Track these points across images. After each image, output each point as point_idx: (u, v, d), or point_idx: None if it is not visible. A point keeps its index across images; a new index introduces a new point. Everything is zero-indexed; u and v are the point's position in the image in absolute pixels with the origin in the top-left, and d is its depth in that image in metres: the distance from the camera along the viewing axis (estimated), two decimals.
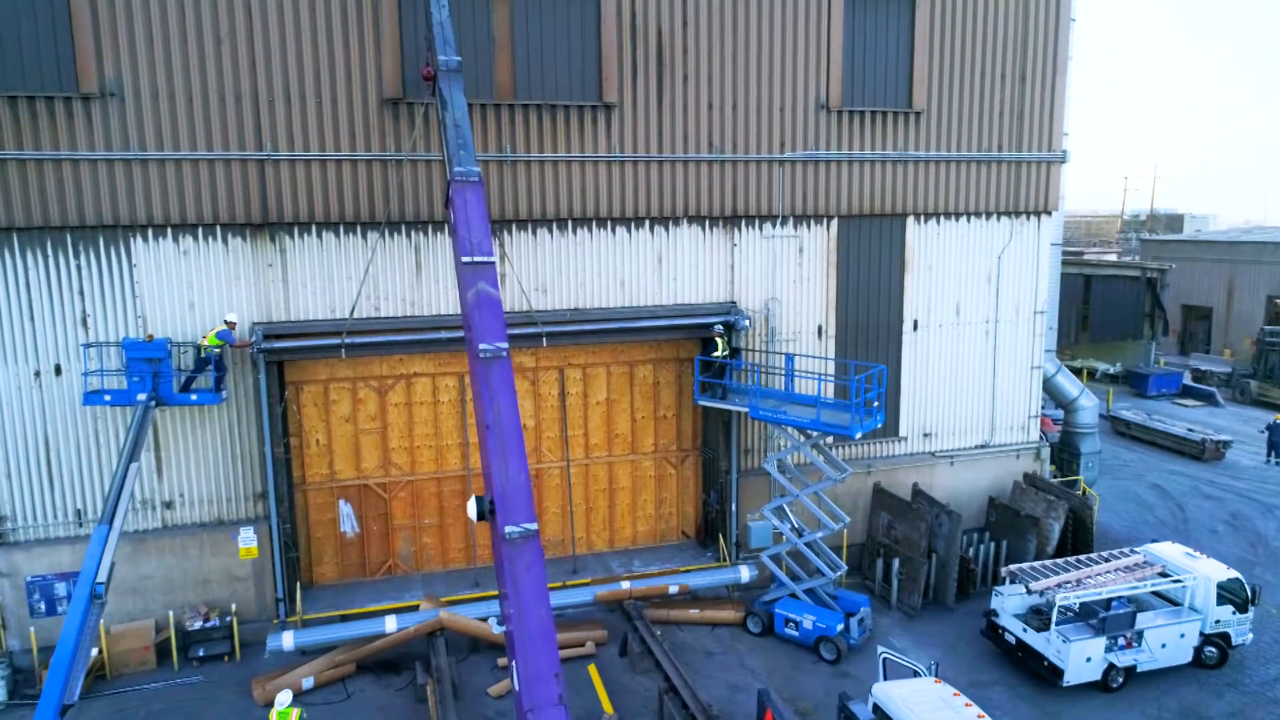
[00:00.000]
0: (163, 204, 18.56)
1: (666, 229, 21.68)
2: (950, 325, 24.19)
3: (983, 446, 25.02)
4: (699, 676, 19.15)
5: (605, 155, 20.86)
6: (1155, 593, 20.04)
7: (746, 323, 21.77)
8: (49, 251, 18.21)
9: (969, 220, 23.90)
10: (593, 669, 19.40)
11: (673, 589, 21.11)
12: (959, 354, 24.39)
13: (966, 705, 13.20)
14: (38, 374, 18.46)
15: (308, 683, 18.23)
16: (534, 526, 11.26)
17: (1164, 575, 19.67)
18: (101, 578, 13.64)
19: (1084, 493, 26.92)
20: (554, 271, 21.11)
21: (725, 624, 21.29)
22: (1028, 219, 24.40)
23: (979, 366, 24.63)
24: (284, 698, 14.37)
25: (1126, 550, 20.63)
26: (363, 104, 19.30)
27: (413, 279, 20.22)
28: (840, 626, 19.72)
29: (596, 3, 20.34)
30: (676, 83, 21.07)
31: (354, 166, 19.46)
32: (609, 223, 21.28)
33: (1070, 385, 27.08)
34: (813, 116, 22.09)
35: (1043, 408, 30.28)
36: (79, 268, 18.42)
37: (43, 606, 18.86)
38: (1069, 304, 46.50)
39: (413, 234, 20.09)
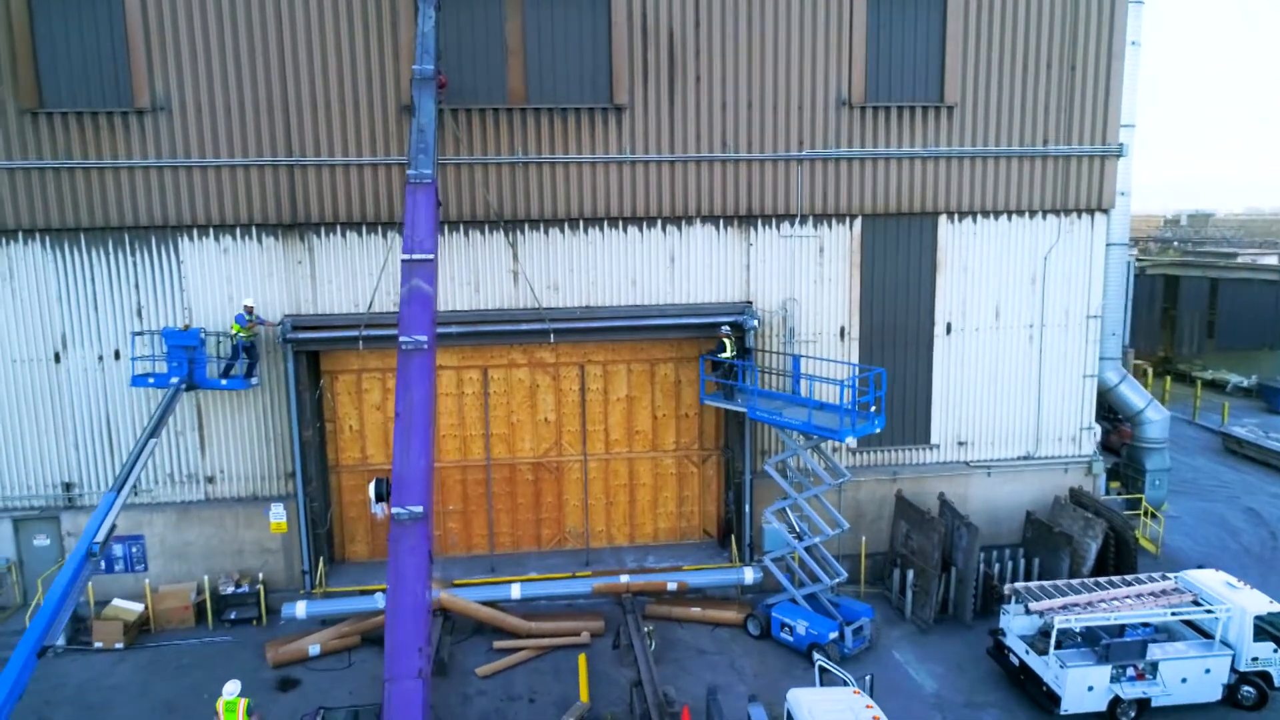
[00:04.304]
0: (205, 206, 20.49)
1: (679, 228, 21.82)
2: (989, 329, 23.02)
3: (1025, 458, 23.63)
4: (684, 674, 19.25)
5: (616, 156, 21.26)
6: (1188, 623, 18.44)
7: (755, 323, 21.57)
8: (109, 249, 20.49)
9: (1010, 219, 22.67)
10: (582, 659, 19.83)
11: (671, 586, 21.25)
12: (999, 359, 23.17)
13: (875, 718, 12.75)
14: (100, 358, 20.81)
15: (314, 650, 19.63)
16: (420, 510, 11.87)
17: (1197, 604, 18.08)
18: (100, 538, 15.33)
19: (1147, 513, 24.98)
20: (565, 270, 21.70)
21: (727, 624, 21.20)
22: (1079, 217, 22.87)
23: (1022, 373, 23.30)
24: (231, 688, 14.85)
25: (1157, 575, 19.05)
26: (382, 111, 20.56)
27: None
28: (833, 634, 19.27)
29: (607, 7, 20.77)
30: (688, 83, 21.19)
31: (374, 170, 20.75)
32: (620, 222, 21.66)
33: (1136, 396, 25.10)
34: (833, 113, 21.63)
35: (1123, 419, 28.31)
36: (135, 264, 20.62)
37: (102, 565, 21.10)
38: (1190, 310, 42.79)
39: None
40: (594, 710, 17.86)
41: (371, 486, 12.71)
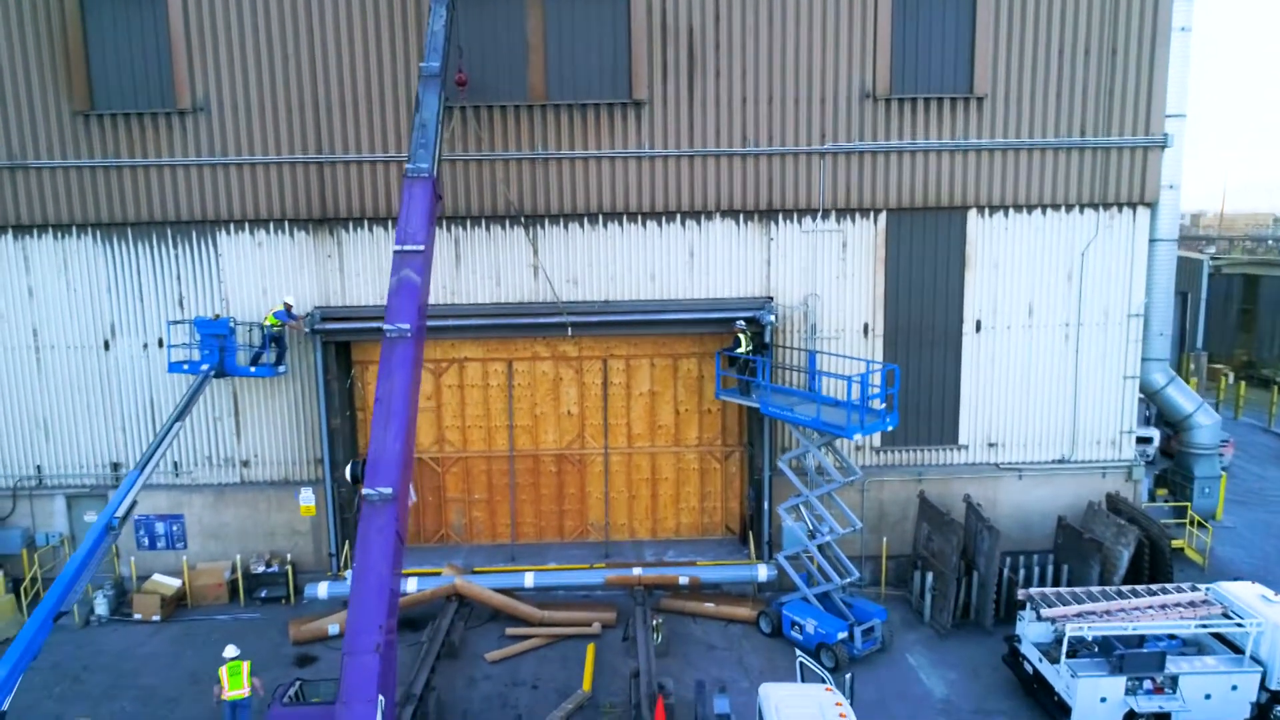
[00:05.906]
0: (241, 202, 21.43)
1: (698, 223, 21.79)
2: (1021, 327, 22.27)
3: (1060, 461, 22.78)
4: (691, 668, 19.25)
5: (635, 151, 21.36)
6: (1219, 637, 17.52)
7: (772, 319, 21.35)
8: (154, 243, 21.64)
9: (1044, 213, 21.88)
10: (591, 649, 19.99)
11: (683, 580, 21.25)
12: (1032, 359, 22.39)
13: (841, 715, 12.52)
14: (145, 346, 22.00)
15: (334, 629, 20.31)
16: (389, 491, 12.23)
17: (1227, 617, 17.17)
18: (120, 513, 16.21)
19: (1194, 522, 23.77)
20: (585, 265, 21.91)
21: (740, 621, 21.09)
22: (1119, 211, 21.92)
23: (1057, 373, 22.46)
24: (231, 651, 15.48)
25: (1186, 586, 18.14)
26: (407, 110, 21.11)
27: (452, 269, 21.84)
28: (842, 634, 18.96)
29: (627, 2, 20.87)
30: (708, 78, 21.13)
31: (400, 167, 21.31)
32: (639, 217, 21.75)
33: (1185, 400, 23.87)
34: (856, 106, 21.27)
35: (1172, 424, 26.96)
36: (177, 257, 21.72)
37: (146, 541, 22.44)
38: (1271, 311, 40.38)
39: (453, 228, 21.70)
40: (593, 699, 18.04)
41: (349, 468, 13.16)
